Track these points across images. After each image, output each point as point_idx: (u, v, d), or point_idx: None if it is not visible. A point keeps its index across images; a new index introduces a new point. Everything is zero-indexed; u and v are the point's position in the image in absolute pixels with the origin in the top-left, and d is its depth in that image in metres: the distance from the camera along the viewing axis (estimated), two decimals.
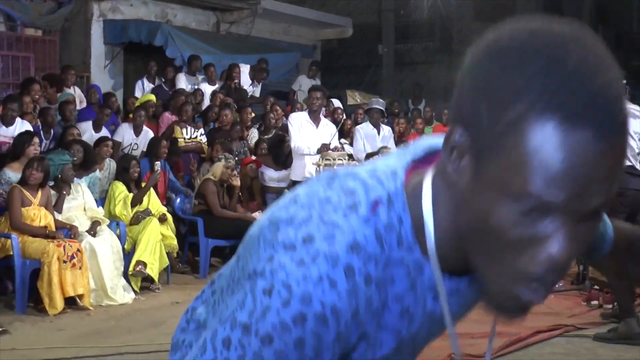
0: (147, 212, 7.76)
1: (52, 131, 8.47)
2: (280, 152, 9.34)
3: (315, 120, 8.24)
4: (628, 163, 6.31)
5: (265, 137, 10.13)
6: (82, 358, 5.33)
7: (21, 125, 7.97)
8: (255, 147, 9.84)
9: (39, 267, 6.62)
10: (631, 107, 6.40)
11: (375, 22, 19.50)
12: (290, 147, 8.46)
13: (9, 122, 7.90)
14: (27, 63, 11.27)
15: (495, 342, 5.52)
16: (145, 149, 9.12)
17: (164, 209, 7.99)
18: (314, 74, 13.91)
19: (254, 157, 9.49)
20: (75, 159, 7.50)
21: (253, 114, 11.06)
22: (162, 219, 7.73)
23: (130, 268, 7.30)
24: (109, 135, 9.04)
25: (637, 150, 6.38)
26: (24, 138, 7.51)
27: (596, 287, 7.15)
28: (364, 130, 9.15)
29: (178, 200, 8.64)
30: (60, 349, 5.50)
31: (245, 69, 12.28)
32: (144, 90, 11.40)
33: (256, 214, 8.46)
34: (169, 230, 7.75)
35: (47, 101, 9.46)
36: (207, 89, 11.52)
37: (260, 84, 12.57)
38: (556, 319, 6.34)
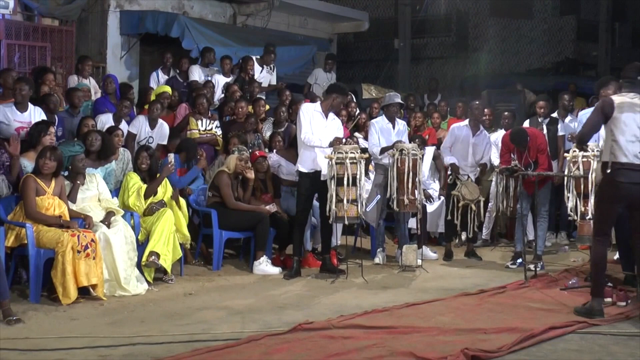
0: (161, 203, 7.77)
1: (56, 117, 8.44)
2: (290, 144, 9.36)
3: (326, 112, 8.24)
4: (623, 160, 6.29)
5: (279, 130, 10.11)
6: (95, 348, 5.34)
7: (34, 111, 7.96)
8: (270, 140, 9.83)
9: (53, 256, 6.64)
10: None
11: (392, 16, 19.45)
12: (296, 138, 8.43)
13: (22, 107, 7.88)
14: (44, 53, 11.30)
15: (509, 338, 5.51)
16: (160, 142, 9.14)
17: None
18: (330, 67, 13.88)
19: (266, 151, 9.46)
20: (84, 149, 7.48)
21: (267, 107, 11.04)
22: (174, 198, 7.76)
23: (144, 259, 7.31)
24: (127, 128, 9.06)
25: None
26: (40, 127, 7.53)
27: (610, 284, 7.11)
28: (379, 124, 9.11)
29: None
30: (74, 339, 5.52)
31: (258, 61, 12.27)
32: (158, 81, 11.41)
33: (270, 207, 8.47)
34: (182, 224, 7.75)
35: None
36: (221, 80, 11.52)
37: (275, 70, 12.53)
38: (570, 316, 6.32)
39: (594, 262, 6.57)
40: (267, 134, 10.24)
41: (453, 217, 9.13)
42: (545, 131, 9.86)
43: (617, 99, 6.43)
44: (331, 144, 7.93)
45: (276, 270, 8.17)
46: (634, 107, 6.33)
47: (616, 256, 7.80)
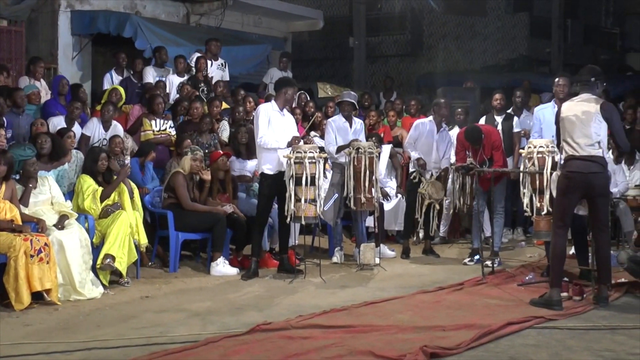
0: (116, 206, 7.66)
1: (4, 120, 8.27)
2: (247, 143, 9.31)
3: (282, 109, 8.20)
4: (570, 152, 6.60)
5: (235, 129, 10.04)
6: (49, 354, 5.24)
7: None
8: (228, 140, 9.76)
9: (5, 261, 6.50)
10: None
11: (347, 15, 19.49)
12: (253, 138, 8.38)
13: None
14: None
15: (467, 335, 5.53)
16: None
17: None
18: (285, 65, 13.84)
19: (221, 151, 9.40)
20: (35, 153, 7.35)
21: (225, 105, 10.95)
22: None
23: (99, 262, 7.21)
24: (80, 130, 8.92)
25: (593, 141, 6.55)
26: None
27: (566, 279, 7.20)
28: (335, 123, 9.11)
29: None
30: (27, 345, 5.41)
31: (212, 61, 12.18)
32: (112, 82, 11.25)
33: (227, 208, 8.40)
34: (138, 227, 7.64)
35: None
36: (176, 80, 11.40)
37: (227, 67, 12.44)
38: (527, 311, 6.38)
39: (553, 253, 6.75)
40: (224, 134, 10.17)
41: (419, 214, 9.15)
42: (500, 128, 9.95)
43: (564, 105, 6.83)
44: (289, 144, 7.89)
45: (234, 271, 8.11)
46: (576, 108, 6.64)
47: (572, 251, 7.90)
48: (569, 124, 6.64)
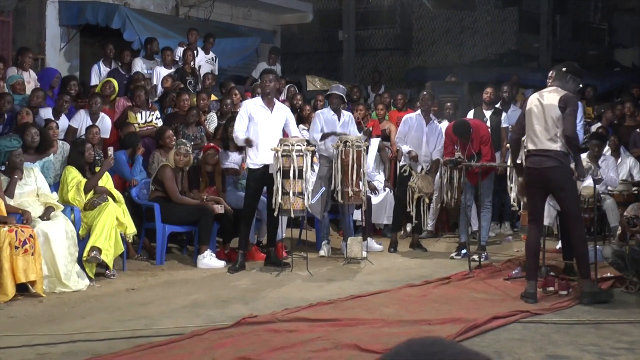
0: (103, 198, 7.62)
1: (5, 116, 8.27)
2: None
3: (269, 104, 8.15)
4: (530, 147, 6.61)
5: (223, 122, 10.01)
6: (33, 346, 5.20)
7: None
8: (215, 132, 9.73)
9: None
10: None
11: (336, 8, 19.46)
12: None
13: None
14: None
15: (453, 328, 5.54)
16: (102, 135, 8.97)
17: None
18: (274, 61, 13.80)
19: (212, 144, 9.37)
20: (21, 144, 7.30)
21: (214, 97, 10.91)
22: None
23: (85, 254, 7.17)
24: (68, 122, 8.88)
25: (551, 134, 6.52)
26: None
27: (552, 273, 7.23)
28: (324, 115, 9.10)
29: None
30: (11, 337, 5.36)
31: (199, 52, 12.14)
32: (100, 74, 11.19)
33: (217, 207, 8.32)
34: (125, 216, 7.60)
35: None
36: (164, 72, 11.35)
37: (216, 61, 12.41)
38: (513, 305, 6.39)
39: (527, 247, 6.84)
40: (212, 126, 10.14)
41: (410, 208, 9.15)
42: (488, 122, 9.96)
43: (530, 97, 6.83)
44: (247, 143, 7.93)
45: (220, 264, 8.10)
46: (539, 100, 6.60)
47: (559, 245, 7.92)
48: (530, 116, 6.61)
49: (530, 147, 6.62)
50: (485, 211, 8.91)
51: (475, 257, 8.23)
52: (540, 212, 6.81)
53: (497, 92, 10.60)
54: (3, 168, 7.17)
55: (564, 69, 6.73)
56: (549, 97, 6.56)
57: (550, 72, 8.29)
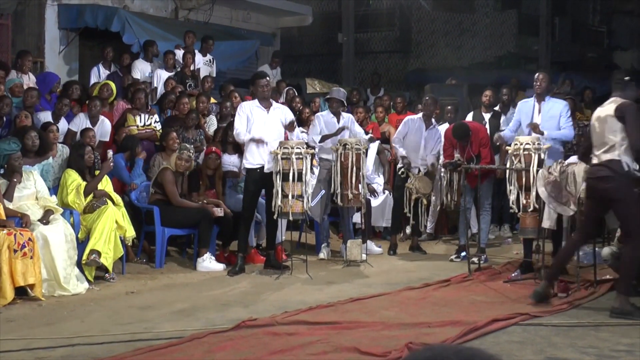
0: (102, 201, 7.61)
1: (4, 119, 8.28)
2: (234, 139, 9.27)
3: (266, 105, 8.16)
4: (597, 160, 6.41)
5: (222, 125, 10.02)
6: (32, 350, 5.20)
7: None
8: (214, 135, 9.73)
9: None
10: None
11: (336, 11, 19.45)
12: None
13: None
14: None
15: (453, 331, 5.54)
16: (101, 139, 8.96)
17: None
18: (276, 64, 13.81)
19: (214, 148, 9.36)
20: (20, 147, 7.30)
21: (213, 100, 10.91)
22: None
23: (84, 257, 7.16)
24: (67, 125, 8.87)
25: (607, 146, 6.38)
26: None
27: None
28: (324, 117, 9.11)
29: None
30: (10, 341, 5.35)
31: (198, 55, 12.15)
32: (99, 77, 11.19)
33: (217, 210, 8.31)
34: (124, 220, 7.60)
35: None
36: (164, 75, 11.35)
37: (214, 63, 12.41)
38: (512, 308, 6.39)
39: (560, 250, 6.88)
40: (211, 128, 10.14)
41: (408, 209, 9.15)
42: (488, 125, 9.96)
43: (594, 112, 6.62)
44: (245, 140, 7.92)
45: (220, 267, 8.09)
46: (598, 114, 6.46)
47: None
48: (592, 131, 6.49)
49: (594, 160, 6.46)
50: (484, 214, 8.90)
51: (475, 259, 8.23)
52: (591, 224, 6.71)
53: (497, 94, 10.60)
54: (2, 171, 7.16)
55: (626, 78, 6.55)
56: (607, 107, 6.41)
57: (540, 74, 8.22)
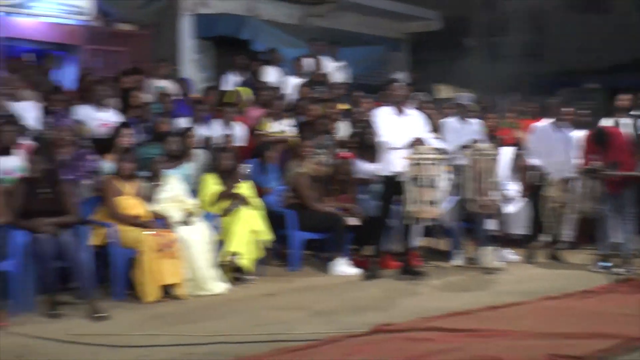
0: (240, 204, 7.77)
1: (146, 123, 8.63)
2: (366, 145, 9.28)
3: (399, 111, 8.14)
4: None
5: (354, 130, 10.05)
6: (177, 346, 5.37)
7: (113, 112, 8.39)
8: (346, 141, 9.78)
9: (134, 255, 6.73)
10: None
11: (465, 15, 19.20)
12: (372, 139, 8.37)
13: (101, 106, 8.49)
14: (122, 57, 11.51)
15: (600, 344, 5.30)
16: (237, 144, 9.17)
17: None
18: (405, 70, 13.69)
19: (345, 153, 9.41)
20: (161, 152, 7.61)
21: (343, 106, 10.97)
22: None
23: (223, 258, 7.34)
24: (204, 131, 9.14)
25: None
26: (117, 129, 7.85)
27: None
28: (451, 124, 9.02)
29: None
30: (157, 336, 5.58)
31: (327, 61, 12.25)
32: (231, 84, 11.46)
33: (352, 220, 8.33)
34: (262, 223, 7.73)
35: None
36: (294, 81, 11.52)
37: (345, 68, 12.47)
38: None
39: None
40: (341, 134, 10.19)
41: (544, 217, 8.91)
42: (627, 130, 9.55)
43: None
44: (411, 145, 7.83)
45: (354, 271, 8.11)
46: None
47: None
48: None
49: None
50: (627, 222, 8.53)
51: (619, 270, 7.89)
52: None
53: (635, 99, 10.15)
54: (145, 174, 7.45)
55: None
56: None
57: None
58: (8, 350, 5.23)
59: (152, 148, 7.61)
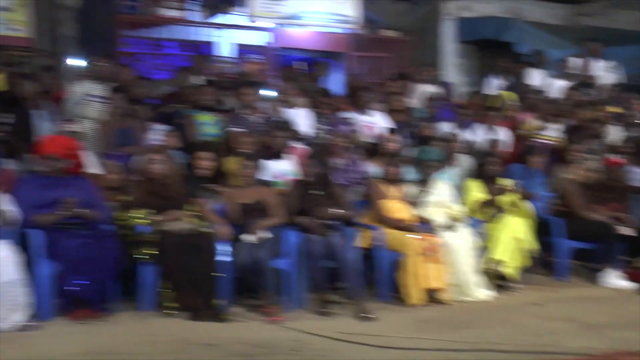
0: (506, 211, 7.62)
1: (410, 128, 8.78)
2: None
3: None
4: None
5: (627, 135, 9.49)
6: (440, 350, 5.40)
7: (379, 116, 8.73)
8: (619, 146, 9.25)
9: (398, 258, 6.85)
10: None
11: None
12: None
13: (364, 111, 8.90)
14: (386, 63, 11.81)
15: None
16: (503, 149, 9.02)
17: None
18: None
19: (617, 159, 8.91)
20: (434, 156, 7.67)
21: (615, 109, 10.39)
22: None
23: (487, 265, 7.25)
24: (469, 135, 9.14)
25: None
26: (383, 134, 8.12)
27: None
28: None
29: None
30: (421, 340, 5.64)
31: (595, 61, 11.64)
32: (494, 87, 11.28)
33: (622, 228, 7.88)
34: (528, 230, 7.53)
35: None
36: (559, 84, 11.09)
37: (618, 68, 11.79)
38: None
39: None
40: (612, 138, 9.64)
41: None
42: None
43: None
44: None
45: (627, 284, 7.63)
46: None
47: None
48: None
49: None
50: None
51: None
52: None
53: None
54: (413, 178, 7.56)
55: None
56: None
57: None
58: (283, 343, 5.56)
59: (426, 152, 7.72)
